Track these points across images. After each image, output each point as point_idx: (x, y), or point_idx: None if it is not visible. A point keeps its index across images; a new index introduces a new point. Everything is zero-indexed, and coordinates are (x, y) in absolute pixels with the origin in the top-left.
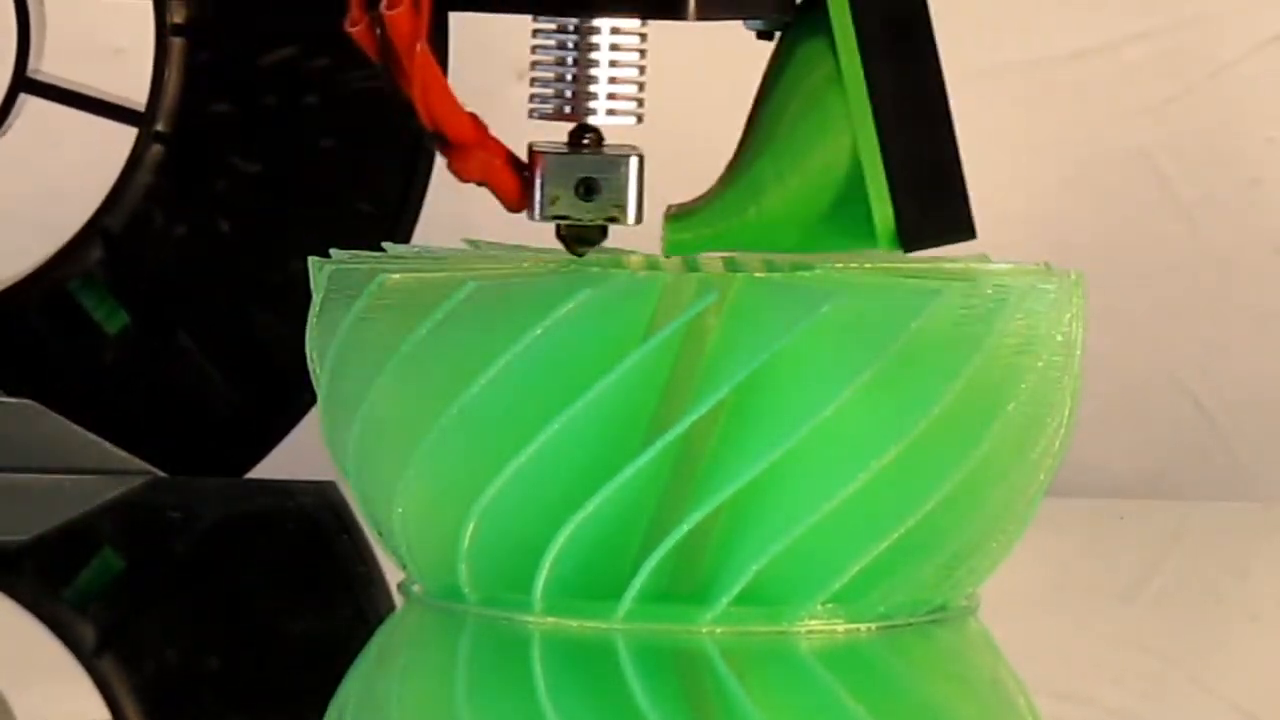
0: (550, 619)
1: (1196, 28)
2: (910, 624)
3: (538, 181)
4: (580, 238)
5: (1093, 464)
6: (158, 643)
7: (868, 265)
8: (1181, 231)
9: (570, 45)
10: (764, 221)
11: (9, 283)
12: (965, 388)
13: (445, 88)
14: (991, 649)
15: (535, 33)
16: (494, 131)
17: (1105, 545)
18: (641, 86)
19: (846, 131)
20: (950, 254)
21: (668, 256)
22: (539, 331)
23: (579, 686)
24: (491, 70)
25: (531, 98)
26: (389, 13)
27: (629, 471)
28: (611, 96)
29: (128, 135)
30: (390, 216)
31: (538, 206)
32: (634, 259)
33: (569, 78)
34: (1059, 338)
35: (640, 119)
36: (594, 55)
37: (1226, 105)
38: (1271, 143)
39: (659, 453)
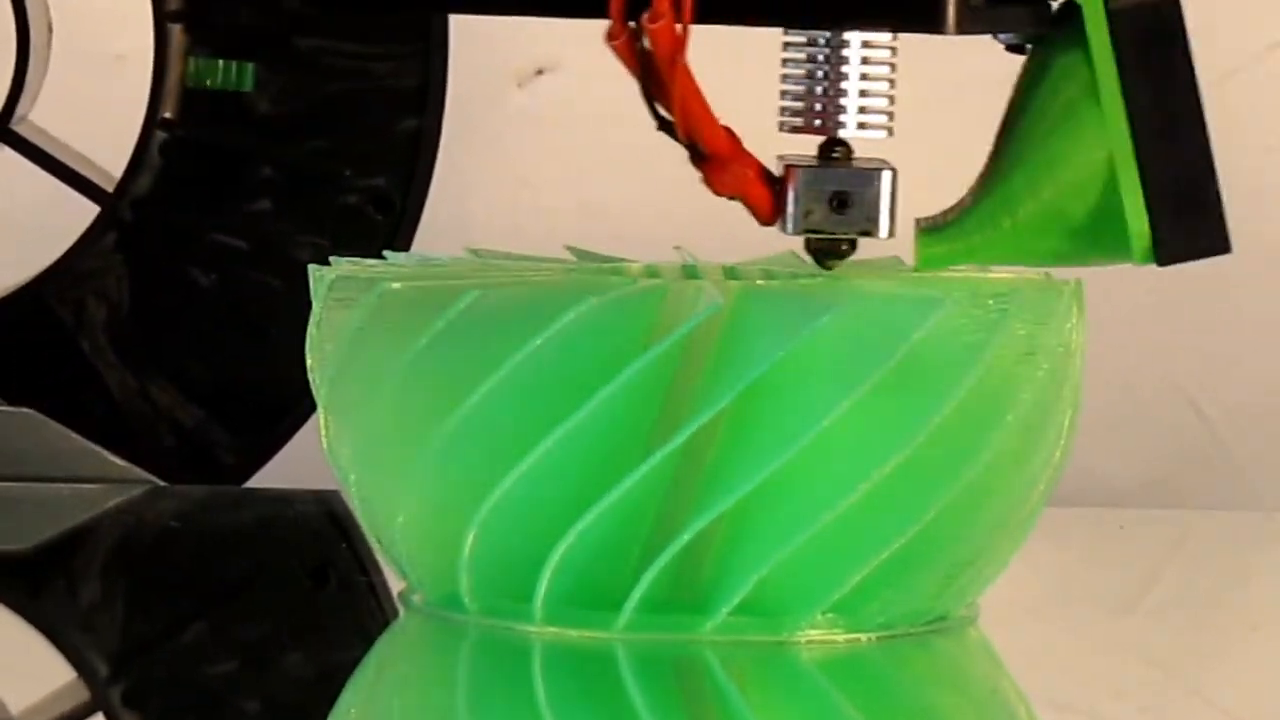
0: (551, 628)
1: (1196, 36)
2: (910, 634)
3: (791, 195)
4: (830, 251)
5: (1093, 473)
6: (157, 652)
7: (868, 274)
8: None
9: (821, 59)
10: (1018, 234)
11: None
12: (966, 397)
13: (703, 102)
14: (992, 659)
15: (786, 45)
16: (503, 137)
17: (1106, 554)
18: (892, 100)
19: (1102, 145)
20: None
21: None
22: (540, 341)
23: (579, 696)
24: (494, 77)
25: (781, 110)
26: (652, 26)
27: (630, 481)
28: (862, 110)
29: None
30: (391, 224)
31: (791, 220)
32: (635, 267)
33: (819, 91)
34: (1059, 347)
35: (891, 132)
36: (845, 69)
37: (1226, 114)
38: (1271, 151)
39: (660, 462)
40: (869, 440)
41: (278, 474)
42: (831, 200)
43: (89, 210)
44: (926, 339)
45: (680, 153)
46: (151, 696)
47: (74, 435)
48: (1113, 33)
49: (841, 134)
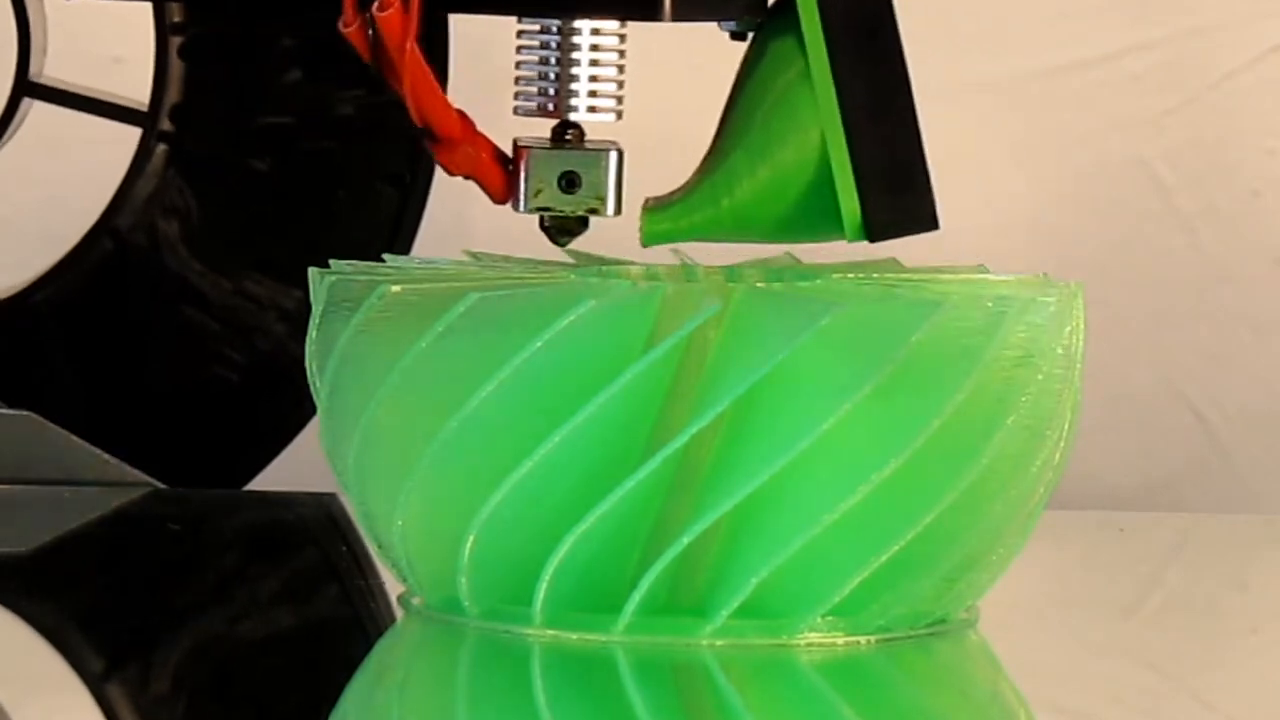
0: (550, 632)
1: (1197, 39)
2: (910, 637)
3: (522, 175)
4: (562, 228)
5: (1093, 476)
6: (157, 655)
7: (869, 276)
8: (1182, 243)
9: (553, 45)
10: (736, 212)
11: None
12: (965, 400)
13: (433, 85)
14: (991, 662)
15: (520, 34)
16: (503, 139)
17: (1105, 558)
18: (621, 85)
19: (815, 127)
20: (950, 266)
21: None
22: (539, 344)
23: (579, 699)
24: (494, 77)
25: (516, 95)
26: (380, 14)
27: (629, 484)
28: (592, 94)
29: None
30: (390, 227)
31: (522, 199)
32: (634, 270)
33: (552, 76)
34: (1059, 350)
35: (620, 116)
36: (575, 55)
37: (1226, 116)
38: (1271, 154)
39: (659, 465)
40: (868, 443)
41: (278, 477)
42: (560, 180)
43: (123, 153)
44: (925, 341)
45: (679, 154)
46: (150, 699)
47: (73, 437)
48: (824, 20)
49: (573, 117)
